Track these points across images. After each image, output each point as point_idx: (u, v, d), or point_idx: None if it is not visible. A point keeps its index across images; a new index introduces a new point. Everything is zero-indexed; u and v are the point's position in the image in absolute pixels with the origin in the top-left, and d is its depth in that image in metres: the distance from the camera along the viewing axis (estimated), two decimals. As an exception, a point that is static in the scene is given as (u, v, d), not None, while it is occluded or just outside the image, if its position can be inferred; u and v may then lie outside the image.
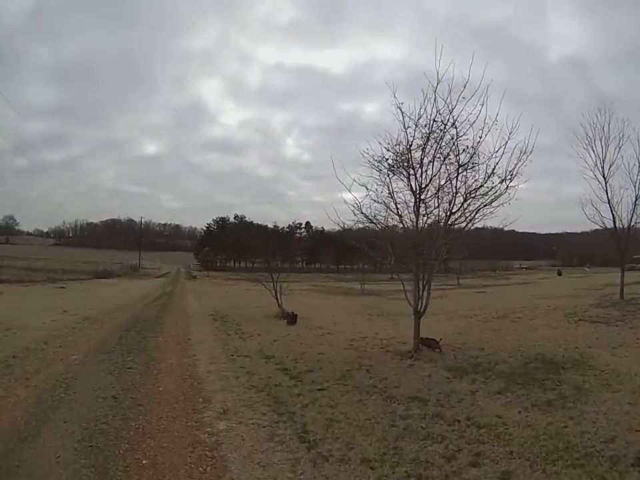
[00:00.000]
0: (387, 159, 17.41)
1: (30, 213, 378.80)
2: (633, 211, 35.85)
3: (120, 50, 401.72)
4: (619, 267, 38.38)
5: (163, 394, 12.09)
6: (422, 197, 17.48)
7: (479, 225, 18.42)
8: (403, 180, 17.63)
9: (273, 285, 33.71)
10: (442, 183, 17.20)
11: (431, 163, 17.07)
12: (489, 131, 16.07)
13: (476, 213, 17.01)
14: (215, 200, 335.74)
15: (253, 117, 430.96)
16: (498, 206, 16.74)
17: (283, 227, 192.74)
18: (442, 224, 17.35)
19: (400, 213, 18.00)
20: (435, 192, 17.36)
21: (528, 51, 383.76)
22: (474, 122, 16.07)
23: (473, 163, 16.72)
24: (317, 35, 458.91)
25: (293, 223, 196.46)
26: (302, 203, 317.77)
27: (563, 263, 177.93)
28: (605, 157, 35.28)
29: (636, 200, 35.43)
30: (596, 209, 36.09)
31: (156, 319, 27.55)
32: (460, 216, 17.22)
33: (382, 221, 18.58)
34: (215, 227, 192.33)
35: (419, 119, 16.62)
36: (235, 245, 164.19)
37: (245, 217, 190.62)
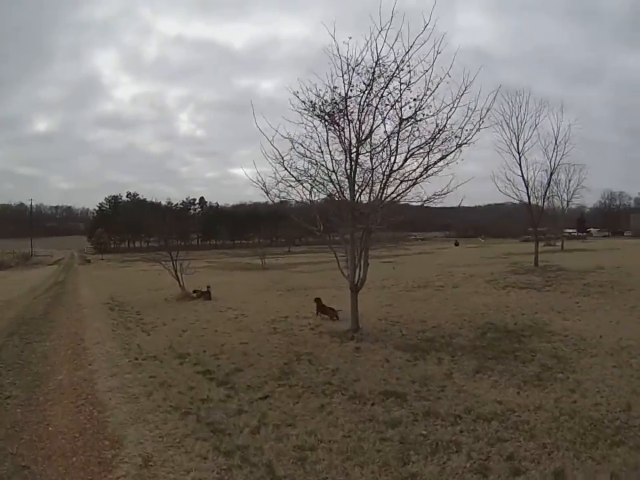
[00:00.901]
0: (321, 105, 15.36)
1: None
2: (548, 186, 42.33)
3: (11, 17, 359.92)
4: (512, 238, 41.44)
5: (53, 439, 8.33)
6: (357, 155, 15.73)
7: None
8: (334, 135, 15.76)
9: (173, 264, 30.71)
10: (381, 138, 15.51)
11: (370, 115, 15.21)
12: (440, 82, 14.36)
13: (421, 174, 15.45)
14: (107, 179, 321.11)
15: (148, 92, 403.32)
16: (444, 165, 15.35)
17: (177, 204, 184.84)
18: (379, 186, 15.78)
19: (334, 169, 16.12)
20: (370, 149, 15.64)
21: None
22: (427, 70, 14.33)
23: (420, 116, 14.87)
24: (222, 8, 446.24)
25: (186, 199, 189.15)
26: (194, 179, 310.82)
27: (458, 234, 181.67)
28: (520, 135, 38.77)
29: (550, 176, 41.30)
30: (510, 181, 39.43)
31: (45, 315, 23.66)
32: (399, 177, 15.70)
33: (307, 182, 16.60)
34: (108, 207, 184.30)
35: (357, 64, 14.69)
36: (129, 225, 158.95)
37: (137, 195, 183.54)
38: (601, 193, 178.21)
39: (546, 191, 42.51)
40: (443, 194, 15.63)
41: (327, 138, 15.83)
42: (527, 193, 39.34)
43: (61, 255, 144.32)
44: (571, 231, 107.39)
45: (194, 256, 57.28)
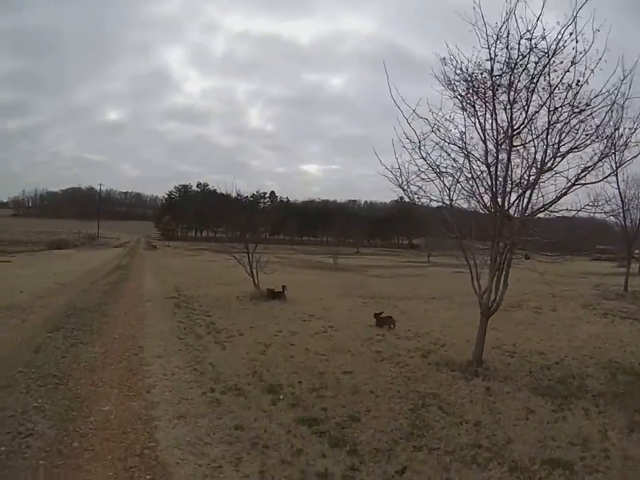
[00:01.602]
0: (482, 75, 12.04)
1: None
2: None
3: (83, 16, 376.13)
4: (577, 254, 35.37)
5: None
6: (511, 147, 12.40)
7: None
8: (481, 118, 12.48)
9: (248, 258, 27.52)
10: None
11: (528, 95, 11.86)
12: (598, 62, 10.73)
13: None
14: (176, 169, 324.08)
15: (217, 86, 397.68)
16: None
17: (247, 196, 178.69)
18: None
19: (488, 161, 12.61)
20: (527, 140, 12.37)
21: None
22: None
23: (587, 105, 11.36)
24: (284, 3, 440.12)
25: (257, 192, 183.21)
26: (264, 173, 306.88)
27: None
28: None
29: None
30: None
31: (100, 307, 20.31)
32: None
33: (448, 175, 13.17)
34: (177, 195, 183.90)
35: (498, 37, 11.52)
36: (198, 214, 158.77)
37: (207, 185, 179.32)
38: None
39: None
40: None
41: (484, 121, 12.42)
42: (622, 207, 33.63)
43: (127, 238, 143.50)
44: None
45: (263, 250, 54.47)
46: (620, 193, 33.35)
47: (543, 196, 12.45)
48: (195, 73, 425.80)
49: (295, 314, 20.67)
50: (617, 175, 31.01)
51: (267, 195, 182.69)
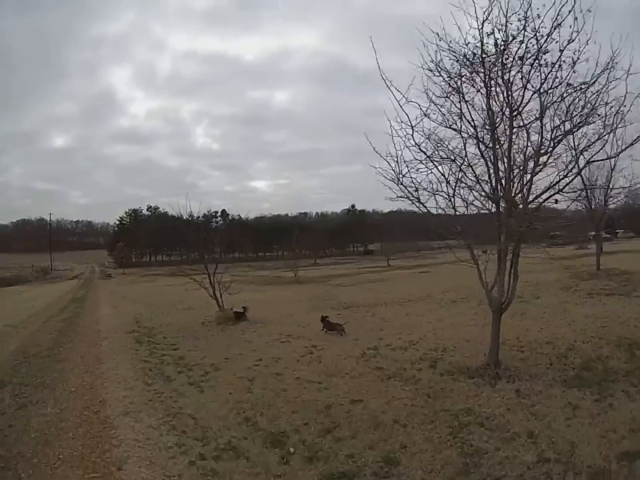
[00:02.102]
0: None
1: None
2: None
3: (29, 33, 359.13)
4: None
5: None
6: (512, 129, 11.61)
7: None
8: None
9: (210, 280, 25.07)
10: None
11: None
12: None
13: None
14: (125, 193, 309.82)
15: (162, 106, 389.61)
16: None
17: (199, 216, 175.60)
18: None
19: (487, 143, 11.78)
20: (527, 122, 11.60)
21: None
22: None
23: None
24: (232, 22, 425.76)
25: (208, 211, 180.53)
26: (213, 192, 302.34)
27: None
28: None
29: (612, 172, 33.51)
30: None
31: (53, 349, 17.86)
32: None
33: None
34: (128, 221, 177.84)
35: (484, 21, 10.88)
36: (151, 238, 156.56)
37: (158, 208, 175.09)
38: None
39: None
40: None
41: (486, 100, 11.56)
42: (587, 193, 33.09)
43: (81, 269, 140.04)
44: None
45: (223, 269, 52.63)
46: (581, 176, 31.53)
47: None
48: (140, 94, 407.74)
49: (270, 336, 18.73)
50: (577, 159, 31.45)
51: (219, 214, 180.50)
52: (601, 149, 11.47)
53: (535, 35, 10.48)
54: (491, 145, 11.45)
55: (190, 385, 12.21)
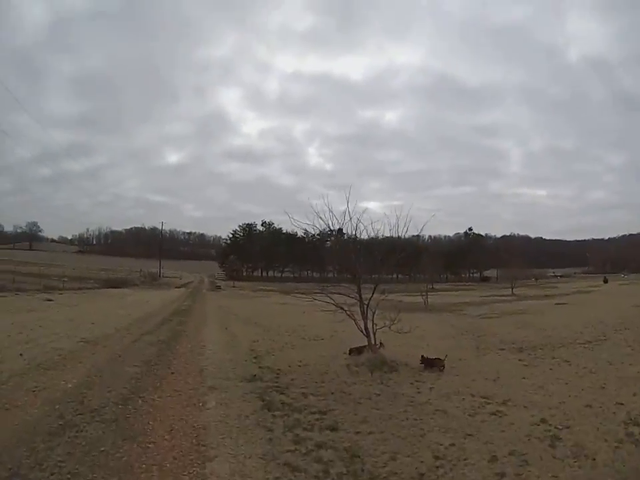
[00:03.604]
0: None
1: (54, 221, 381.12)
2: None
3: (140, 60, 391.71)
4: None
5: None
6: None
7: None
8: None
9: (361, 307, 18.26)
10: None
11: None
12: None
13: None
14: (238, 209, 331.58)
15: (274, 126, 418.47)
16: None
17: (314, 235, 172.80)
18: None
19: None
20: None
21: (548, 52, 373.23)
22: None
23: None
24: (334, 42, 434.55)
25: (323, 229, 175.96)
26: (326, 212, 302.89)
27: (596, 270, 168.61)
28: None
29: None
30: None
31: (125, 405, 10.90)
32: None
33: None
34: (241, 235, 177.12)
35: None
36: (264, 253, 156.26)
37: (273, 224, 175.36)
38: None
39: None
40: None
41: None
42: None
43: (190, 278, 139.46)
44: None
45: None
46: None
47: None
48: (251, 114, 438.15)
49: (462, 398, 12.82)
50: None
51: (335, 232, 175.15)
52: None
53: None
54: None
55: None
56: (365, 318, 18.00)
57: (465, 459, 8.53)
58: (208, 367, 15.75)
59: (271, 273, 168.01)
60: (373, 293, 18.58)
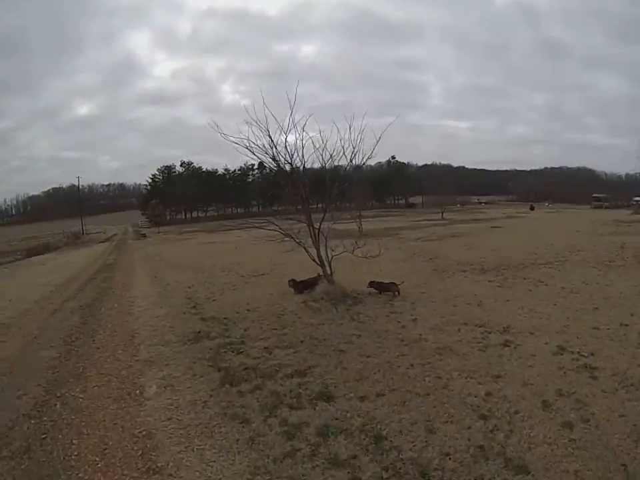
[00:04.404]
0: None
1: None
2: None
3: (42, 13, 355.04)
4: (577, 204, 36.38)
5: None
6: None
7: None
8: None
9: (312, 233, 16.41)
10: None
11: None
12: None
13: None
14: (155, 155, 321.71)
15: (187, 66, 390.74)
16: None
17: (234, 170, 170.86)
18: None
19: None
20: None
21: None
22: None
23: None
24: None
25: (244, 165, 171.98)
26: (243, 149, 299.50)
27: (519, 198, 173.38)
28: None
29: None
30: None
31: (41, 415, 7.93)
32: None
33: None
34: (161, 178, 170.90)
35: None
36: (185, 194, 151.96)
37: (192, 163, 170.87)
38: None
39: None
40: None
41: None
42: None
43: (114, 231, 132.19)
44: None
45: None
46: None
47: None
48: (163, 56, 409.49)
49: (452, 327, 11.56)
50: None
51: (255, 167, 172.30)
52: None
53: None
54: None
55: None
56: (317, 245, 15.86)
57: (515, 412, 6.95)
58: (140, 330, 12.94)
59: (195, 215, 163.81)
60: (323, 218, 16.59)
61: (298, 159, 16.63)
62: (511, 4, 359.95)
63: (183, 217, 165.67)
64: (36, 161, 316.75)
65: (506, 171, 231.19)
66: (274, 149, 16.16)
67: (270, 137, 15.76)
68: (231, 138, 15.98)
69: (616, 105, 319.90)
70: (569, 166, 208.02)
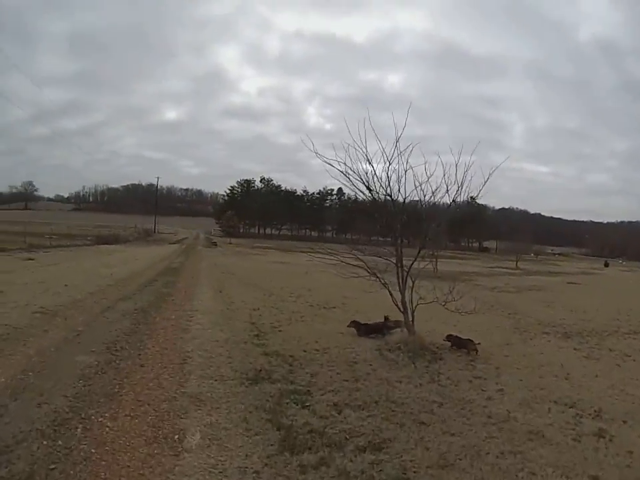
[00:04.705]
0: None
1: (50, 180, 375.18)
2: None
3: (137, 17, 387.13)
4: None
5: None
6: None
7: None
8: None
9: (400, 275, 14.28)
10: None
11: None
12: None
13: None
14: (236, 167, 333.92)
15: (273, 85, 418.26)
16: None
17: (313, 193, 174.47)
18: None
19: None
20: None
21: (558, 29, 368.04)
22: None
23: None
24: (337, 1, 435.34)
25: (323, 189, 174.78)
26: (324, 172, 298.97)
27: (594, 252, 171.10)
28: None
29: None
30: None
31: (56, 437, 6.32)
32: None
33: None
34: (239, 191, 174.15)
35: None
36: (262, 210, 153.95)
37: (271, 180, 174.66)
38: None
39: None
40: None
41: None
42: None
43: (185, 234, 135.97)
44: None
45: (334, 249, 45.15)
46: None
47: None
48: (250, 72, 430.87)
49: (541, 404, 9.76)
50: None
51: (334, 192, 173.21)
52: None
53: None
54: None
55: None
56: (404, 289, 13.93)
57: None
58: (193, 354, 11.25)
59: (268, 231, 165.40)
60: (416, 258, 14.69)
61: (397, 189, 14.84)
62: (592, 40, 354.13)
63: (256, 231, 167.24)
64: (119, 156, 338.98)
65: (582, 221, 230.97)
66: (372, 176, 14.59)
67: (370, 163, 14.38)
68: (325, 158, 14.25)
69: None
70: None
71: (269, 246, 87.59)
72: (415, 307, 13.84)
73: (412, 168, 14.26)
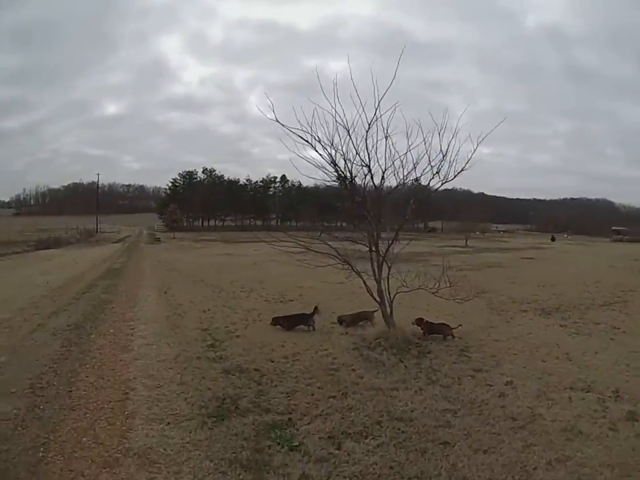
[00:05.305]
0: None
1: None
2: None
3: (76, 8, 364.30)
4: (596, 236, 35.59)
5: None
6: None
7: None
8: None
9: (373, 265, 13.15)
10: None
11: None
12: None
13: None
14: (179, 160, 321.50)
15: (215, 73, 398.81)
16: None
17: (257, 181, 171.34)
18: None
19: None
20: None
21: (505, 17, 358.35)
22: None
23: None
24: None
25: (267, 176, 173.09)
26: (266, 160, 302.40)
27: (538, 228, 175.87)
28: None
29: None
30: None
31: None
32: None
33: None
34: (182, 183, 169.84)
35: None
36: (205, 202, 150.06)
37: (214, 171, 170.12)
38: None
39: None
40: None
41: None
42: None
43: (128, 232, 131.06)
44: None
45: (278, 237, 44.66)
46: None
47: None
48: (193, 61, 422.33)
49: (559, 393, 9.00)
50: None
51: (278, 180, 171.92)
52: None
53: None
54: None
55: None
56: (379, 277, 12.61)
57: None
58: (137, 385, 8.90)
59: (212, 223, 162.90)
60: (392, 240, 13.74)
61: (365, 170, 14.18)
62: (538, 26, 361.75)
63: (200, 224, 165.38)
64: (61, 155, 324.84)
65: (526, 199, 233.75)
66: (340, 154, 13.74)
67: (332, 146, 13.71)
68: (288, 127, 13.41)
69: (638, 136, 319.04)
70: (589, 197, 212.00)
71: (213, 238, 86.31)
72: (393, 296, 12.56)
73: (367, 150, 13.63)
